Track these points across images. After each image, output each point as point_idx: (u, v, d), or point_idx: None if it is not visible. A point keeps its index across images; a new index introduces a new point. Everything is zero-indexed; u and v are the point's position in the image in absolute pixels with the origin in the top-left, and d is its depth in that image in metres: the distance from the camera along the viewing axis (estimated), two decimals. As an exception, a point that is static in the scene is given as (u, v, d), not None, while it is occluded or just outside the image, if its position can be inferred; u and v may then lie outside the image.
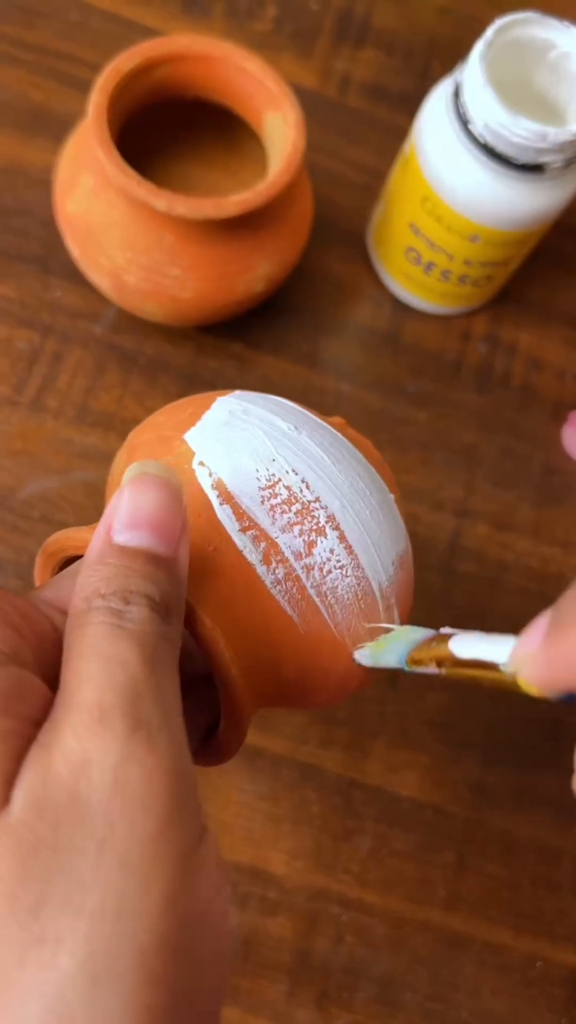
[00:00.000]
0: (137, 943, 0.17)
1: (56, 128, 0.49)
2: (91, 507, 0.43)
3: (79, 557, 0.25)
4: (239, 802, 0.40)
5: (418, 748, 0.42)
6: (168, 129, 0.45)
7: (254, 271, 0.41)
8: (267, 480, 0.25)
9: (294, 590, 0.25)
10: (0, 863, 0.17)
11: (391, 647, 0.25)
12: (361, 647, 0.26)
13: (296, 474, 0.25)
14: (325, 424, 0.28)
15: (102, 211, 0.39)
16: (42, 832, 0.18)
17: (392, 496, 0.28)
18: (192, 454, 0.26)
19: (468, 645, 0.22)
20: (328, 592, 0.25)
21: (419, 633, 0.24)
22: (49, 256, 0.47)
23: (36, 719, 0.19)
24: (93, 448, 0.44)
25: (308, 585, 0.25)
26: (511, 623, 0.47)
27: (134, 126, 0.42)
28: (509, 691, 0.20)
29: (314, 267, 0.50)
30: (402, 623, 0.28)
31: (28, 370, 0.45)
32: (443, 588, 0.45)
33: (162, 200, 0.36)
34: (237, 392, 0.29)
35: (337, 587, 0.25)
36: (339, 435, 0.28)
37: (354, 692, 0.28)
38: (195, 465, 0.25)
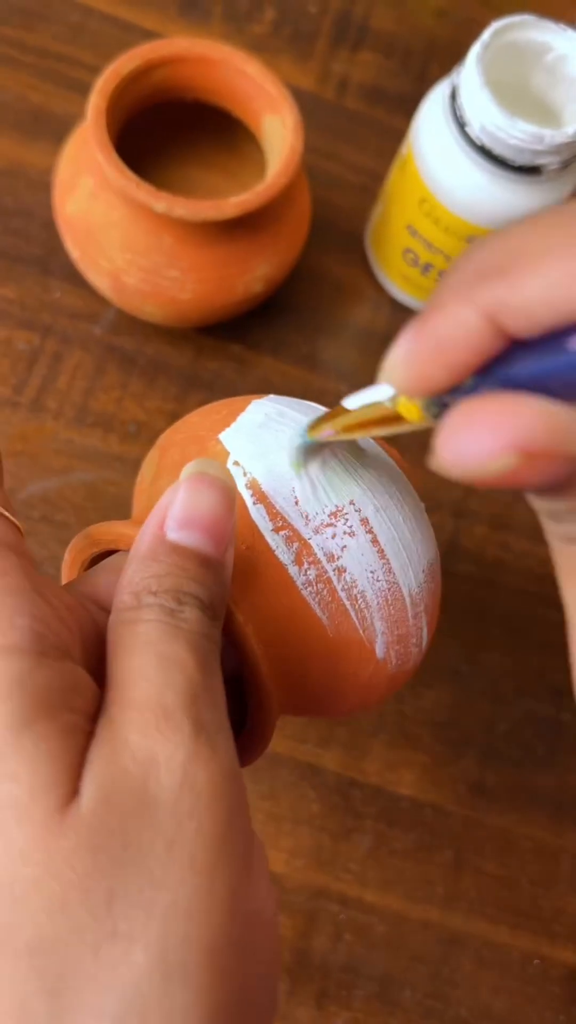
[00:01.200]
0: (206, 941, 0.18)
1: (56, 130, 0.49)
2: (91, 508, 0.43)
3: (109, 553, 0.25)
4: (238, 801, 0.40)
5: (417, 747, 0.42)
6: (167, 131, 0.46)
7: (253, 272, 0.41)
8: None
9: (324, 592, 0.25)
10: (73, 854, 0.18)
11: (294, 436, 0.25)
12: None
13: None
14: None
15: (101, 213, 0.39)
16: (112, 826, 0.18)
17: (423, 505, 0.28)
18: (227, 454, 0.26)
19: (357, 397, 0.22)
20: (358, 595, 0.25)
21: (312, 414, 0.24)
22: (49, 257, 0.47)
23: (91, 714, 0.20)
24: (93, 449, 0.44)
25: (339, 588, 0.25)
26: (510, 624, 0.47)
27: (133, 128, 0.42)
28: (397, 428, 0.21)
29: (313, 269, 0.50)
30: (430, 634, 0.28)
31: (28, 371, 0.45)
32: (442, 588, 0.45)
33: (161, 202, 0.36)
34: (272, 396, 0.29)
35: (367, 591, 0.25)
36: (372, 442, 0.28)
37: (378, 703, 0.28)
38: (230, 465, 0.26)
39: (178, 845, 0.18)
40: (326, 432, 0.23)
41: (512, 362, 0.17)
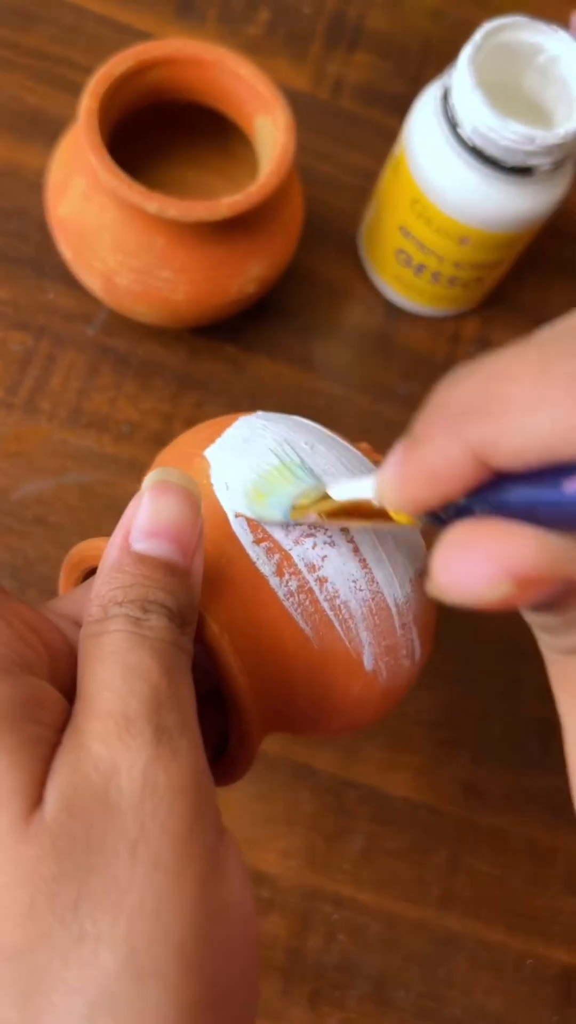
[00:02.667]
0: (175, 938, 0.18)
1: (50, 131, 0.49)
2: (85, 508, 0.43)
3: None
4: (233, 802, 0.40)
5: (411, 748, 0.42)
6: (160, 132, 0.46)
7: (246, 273, 0.41)
8: None
9: (307, 602, 0.25)
10: (38, 861, 0.18)
11: (273, 501, 0.25)
12: (242, 498, 0.26)
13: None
14: (344, 443, 0.28)
15: (94, 214, 0.39)
16: (76, 832, 0.18)
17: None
18: (210, 468, 0.26)
19: (343, 488, 0.22)
20: (342, 606, 0.25)
21: (297, 486, 0.25)
22: (43, 258, 0.47)
23: (58, 726, 0.20)
24: (87, 450, 0.44)
25: (321, 598, 0.25)
26: (504, 625, 0.47)
27: (126, 129, 0.42)
28: (382, 522, 0.21)
29: (306, 269, 0.50)
30: (424, 646, 0.28)
31: (22, 372, 0.45)
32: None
33: (153, 203, 0.37)
34: (260, 412, 0.29)
35: (350, 601, 0.25)
36: (359, 453, 0.28)
37: (373, 720, 0.28)
38: (212, 478, 0.26)
39: (142, 846, 0.18)
40: (310, 516, 0.24)
41: (502, 489, 0.18)
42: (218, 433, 0.27)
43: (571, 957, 0.40)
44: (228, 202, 0.37)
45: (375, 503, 0.21)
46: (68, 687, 0.21)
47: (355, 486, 0.22)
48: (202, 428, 0.29)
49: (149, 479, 0.22)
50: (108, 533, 0.23)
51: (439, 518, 0.19)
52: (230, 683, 0.23)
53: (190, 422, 0.46)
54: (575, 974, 0.40)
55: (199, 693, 0.27)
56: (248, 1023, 0.20)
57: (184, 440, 0.29)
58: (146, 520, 0.22)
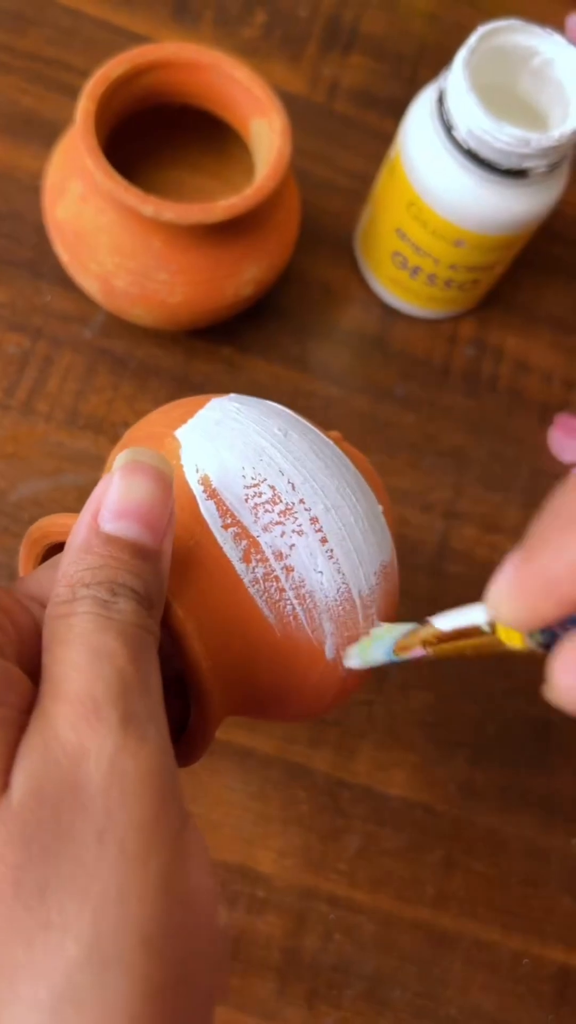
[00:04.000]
0: (139, 925, 0.18)
1: (47, 134, 0.50)
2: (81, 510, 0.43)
3: (63, 544, 0.25)
4: (228, 801, 0.40)
5: (407, 748, 0.42)
6: (157, 135, 0.46)
7: (242, 275, 0.42)
8: (252, 479, 0.25)
9: (272, 590, 0.25)
10: (4, 846, 0.18)
11: (377, 644, 0.25)
12: (348, 652, 0.26)
13: (282, 475, 0.25)
14: (316, 431, 0.28)
15: (90, 216, 0.40)
16: (43, 817, 0.18)
17: (380, 508, 0.28)
18: (180, 448, 0.26)
19: (449, 618, 0.22)
20: (307, 595, 0.25)
21: (403, 628, 0.25)
22: (40, 261, 0.47)
23: (24, 709, 0.20)
24: (84, 451, 0.45)
25: (287, 587, 0.25)
26: (498, 623, 0.47)
27: (123, 132, 0.42)
28: (495, 653, 0.21)
29: (303, 272, 0.50)
30: None
31: (19, 374, 0.45)
32: (431, 590, 0.46)
33: (149, 205, 0.37)
34: (232, 395, 0.29)
35: (315, 591, 0.25)
36: (330, 443, 0.28)
37: (329, 707, 0.28)
38: (183, 459, 0.26)
39: (108, 833, 0.18)
40: (416, 651, 0.23)
41: None
42: (190, 413, 0.27)
43: (567, 957, 0.41)
44: (224, 205, 0.37)
45: (485, 624, 0.20)
46: (35, 668, 0.21)
47: (463, 615, 0.22)
48: (174, 407, 0.29)
49: (120, 459, 0.22)
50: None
51: (553, 636, 0.18)
52: (192, 667, 0.23)
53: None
54: (570, 973, 0.40)
55: (164, 678, 0.27)
56: (209, 1008, 0.20)
57: (155, 418, 0.29)
58: (116, 500, 0.21)
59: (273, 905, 0.39)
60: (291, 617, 0.25)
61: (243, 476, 0.25)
